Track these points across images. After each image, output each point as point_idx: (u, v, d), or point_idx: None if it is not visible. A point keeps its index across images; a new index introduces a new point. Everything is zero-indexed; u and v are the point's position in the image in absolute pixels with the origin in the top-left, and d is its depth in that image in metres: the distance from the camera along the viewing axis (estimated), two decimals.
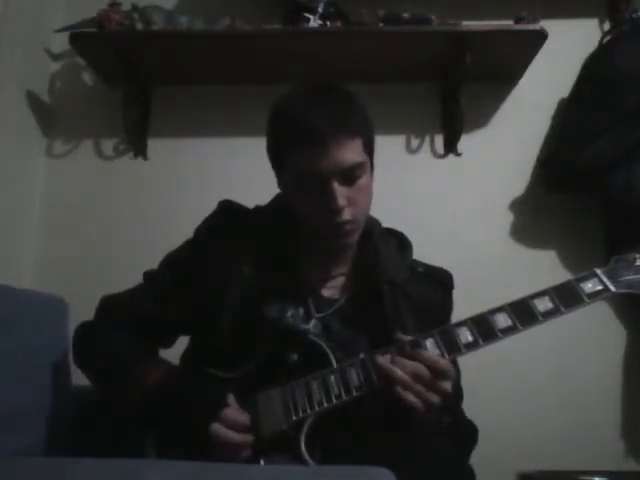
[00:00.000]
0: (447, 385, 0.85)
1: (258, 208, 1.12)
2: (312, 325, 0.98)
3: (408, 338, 0.89)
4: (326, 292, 1.05)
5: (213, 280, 1.01)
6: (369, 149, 0.99)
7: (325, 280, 1.06)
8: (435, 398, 0.84)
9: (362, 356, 0.90)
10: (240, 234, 1.05)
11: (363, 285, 1.05)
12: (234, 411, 0.88)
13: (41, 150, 1.86)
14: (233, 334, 0.96)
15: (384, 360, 0.86)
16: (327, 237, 0.99)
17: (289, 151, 0.96)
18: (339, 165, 0.92)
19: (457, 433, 0.98)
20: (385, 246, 1.08)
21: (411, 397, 0.83)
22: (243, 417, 0.87)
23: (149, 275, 1.10)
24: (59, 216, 1.82)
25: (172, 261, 1.10)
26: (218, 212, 1.10)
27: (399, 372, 0.84)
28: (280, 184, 1.06)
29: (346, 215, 0.94)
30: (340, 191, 0.93)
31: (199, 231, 1.10)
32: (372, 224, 1.11)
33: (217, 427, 0.85)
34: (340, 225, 0.95)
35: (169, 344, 1.11)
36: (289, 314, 0.98)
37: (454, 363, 1.04)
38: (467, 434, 1.02)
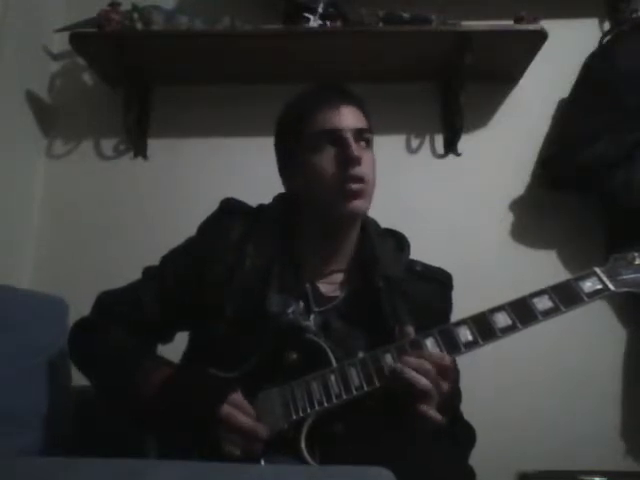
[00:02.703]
0: (446, 385, 0.86)
1: (260, 206, 1.12)
2: (312, 320, 0.98)
3: (412, 331, 0.89)
4: (324, 288, 1.05)
5: (214, 277, 1.02)
6: (371, 132, 1.06)
7: (324, 276, 1.06)
8: (437, 397, 0.85)
9: (362, 355, 0.90)
10: (242, 232, 1.05)
11: (361, 282, 1.05)
12: (242, 398, 0.87)
13: (41, 150, 1.86)
14: (234, 331, 0.96)
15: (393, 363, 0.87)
16: (337, 202, 0.99)
17: (304, 119, 1.03)
18: (353, 123, 1.01)
19: (455, 434, 0.98)
20: (382, 245, 1.09)
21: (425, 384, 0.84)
22: (250, 408, 0.87)
23: (149, 271, 1.10)
24: (59, 216, 1.82)
25: (174, 258, 1.10)
26: (220, 210, 1.10)
27: (412, 373, 0.84)
28: (289, 167, 1.08)
29: (358, 170, 0.98)
30: (355, 145, 0.99)
31: (201, 229, 1.10)
32: (369, 223, 1.12)
33: (227, 409, 0.84)
34: (353, 179, 0.98)
35: (168, 340, 1.11)
36: (290, 310, 0.98)
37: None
38: (466, 436, 1.02)
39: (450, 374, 0.87)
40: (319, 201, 1.02)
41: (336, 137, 1.00)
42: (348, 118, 1.01)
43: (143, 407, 0.90)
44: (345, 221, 1.04)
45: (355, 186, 0.98)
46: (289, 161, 1.08)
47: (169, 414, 0.88)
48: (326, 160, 1.00)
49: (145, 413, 0.90)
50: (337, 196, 0.99)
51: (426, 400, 0.84)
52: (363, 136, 1.02)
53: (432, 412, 0.84)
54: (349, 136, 0.99)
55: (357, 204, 0.99)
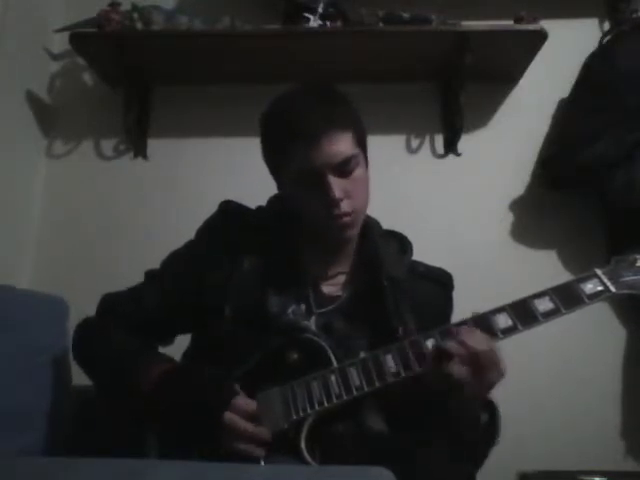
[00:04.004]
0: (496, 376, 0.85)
1: (259, 208, 1.12)
2: (313, 321, 0.98)
3: (413, 331, 0.89)
4: (327, 289, 1.05)
5: (214, 279, 1.02)
6: (361, 143, 1.01)
7: (326, 278, 1.06)
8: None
9: (363, 355, 0.90)
10: (241, 234, 1.05)
11: (364, 283, 1.05)
12: (244, 400, 0.87)
13: (41, 150, 1.86)
14: (235, 332, 0.96)
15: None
16: (327, 232, 1.00)
17: (283, 152, 0.99)
18: (332, 158, 0.95)
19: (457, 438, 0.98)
20: (385, 246, 1.09)
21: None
22: (252, 407, 0.87)
23: (151, 274, 1.11)
24: (59, 216, 1.82)
25: (174, 260, 1.10)
26: (219, 212, 1.11)
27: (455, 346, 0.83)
28: (279, 188, 1.08)
29: (344, 207, 0.96)
30: (336, 183, 0.95)
31: (201, 231, 1.11)
32: (372, 224, 1.12)
33: (230, 415, 0.84)
34: (339, 217, 0.96)
35: (169, 342, 1.11)
36: (290, 310, 0.98)
37: None
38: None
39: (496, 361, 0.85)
40: (309, 227, 1.03)
41: (315, 179, 0.95)
42: (327, 151, 0.94)
43: (143, 406, 0.89)
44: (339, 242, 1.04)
45: (342, 221, 0.97)
46: (276, 179, 1.07)
47: (169, 413, 0.88)
48: (309, 199, 0.98)
49: (145, 412, 0.90)
50: (326, 228, 0.99)
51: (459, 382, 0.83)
52: (348, 164, 0.96)
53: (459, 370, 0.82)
54: (329, 176, 0.94)
55: (348, 233, 1.00)
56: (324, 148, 0.94)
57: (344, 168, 0.96)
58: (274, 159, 1.04)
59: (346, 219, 0.97)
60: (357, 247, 1.09)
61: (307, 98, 1.00)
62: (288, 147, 0.97)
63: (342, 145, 0.96)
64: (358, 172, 0.99)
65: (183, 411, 0.87)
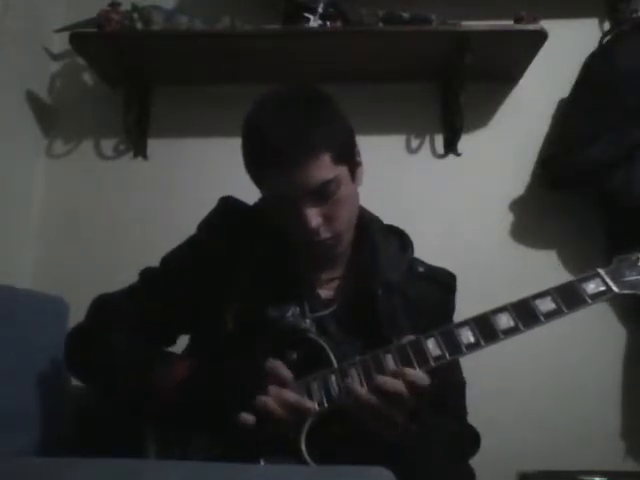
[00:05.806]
0: (411, 402, 0.83)
1: (257, 205, 1.10)
2: (308, 324, 0.98)
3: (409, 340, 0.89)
4: (323, 293, 1.04)
5: (213, 280, 1.01)
6: (343, 159, 0.93)
7: (322, 282, 1.05)
8: (398, 417, 0.83)
9: (363, 355, 0.89)
10: (239, 232, 1.04)
11: (360, 287, 1.03)
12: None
13: (41, 150, 1.86)
14: (234, 334, 0.96)
15: (353, 382, 0.85)
16: (310, 252, 0.99)
17: (256, 174, 0.97)
18: (306, 188, 0.89)
19: (460, 436, 0.98)
20: (385, 245, 1.07)
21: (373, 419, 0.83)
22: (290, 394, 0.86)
23: (148, 273, 1.09)
24: (59, 216, 1.82)
25: (175, 257, 1.08)
26: (218, 210, 1.09)
27: (364, 392, 0.83)
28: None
29: (323, 233, 0.93)
30: (312, 212, 0.91)
31: (200, 229, 1.09)
32: (371, 222, 1.09)
33: (265, 399, 0.84)
34: (319, 243, 0.95)
35: (170, 343, 1.09)
36: (289, 313, 0.97)
37: (456, 364, 1.04)
38: (468, 439, 1.02)
39: (418, 387, 0.83)
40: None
41: (290, 206, 0.91)
42: (299, 181, 0.88)
43: (165, 405, 0.88)
44: None
45: (325, 243, 0.95)
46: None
47: (198, 407, 0.87)
48: (287, 223, 0.96)
49: (167, 414, 0.89)
50: (308, 250, 0.98)
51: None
52: (325, 190, 0.90)
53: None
54: (303, 206, 0.90)
55: (334, 251, 0.99)
56: (296, 178, 0.88)
57: (321, 193, 0.90)
58: (251, 177, 0.99)
59: (327, 243, 0.95)
60: (353, 250, 1.06)
61: (280, 116, 0.90)
62: (259, 174, 0.96)
63: (317, 171, 0.88)
64: (339, 193, 0.92)
65: (213, 403, 0.87)
